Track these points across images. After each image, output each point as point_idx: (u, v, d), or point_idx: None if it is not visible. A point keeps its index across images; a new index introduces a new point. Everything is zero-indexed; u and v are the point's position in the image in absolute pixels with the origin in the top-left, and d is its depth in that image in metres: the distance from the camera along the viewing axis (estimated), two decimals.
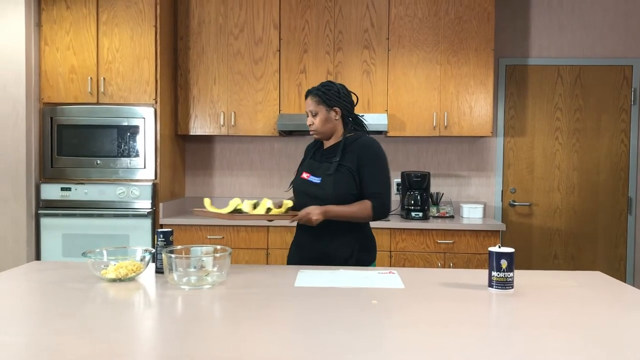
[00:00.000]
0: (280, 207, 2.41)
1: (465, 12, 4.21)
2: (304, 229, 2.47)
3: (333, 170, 2.39)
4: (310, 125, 2.47)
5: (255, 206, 2.36)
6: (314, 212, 2.29)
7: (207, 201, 2.38)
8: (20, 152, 3.85)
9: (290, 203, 2.46)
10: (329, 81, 2.50)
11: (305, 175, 2.49)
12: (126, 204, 3.99)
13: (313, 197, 2.40)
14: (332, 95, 2.42)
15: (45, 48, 4.03)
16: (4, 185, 3.85)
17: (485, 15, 4.20)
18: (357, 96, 2.54)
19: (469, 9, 4.20)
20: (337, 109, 2.44)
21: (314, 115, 2.45)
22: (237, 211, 2.32)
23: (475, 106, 4.23)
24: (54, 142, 4.02)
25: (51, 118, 4.01)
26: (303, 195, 2.47)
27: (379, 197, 2.37)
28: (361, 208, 2.35)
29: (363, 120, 2.55)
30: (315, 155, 2.54)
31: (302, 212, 2.30)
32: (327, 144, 2.53)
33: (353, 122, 2.50)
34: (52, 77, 4.03)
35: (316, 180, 2.42)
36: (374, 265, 2.52)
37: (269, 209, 2.34)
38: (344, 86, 2.49)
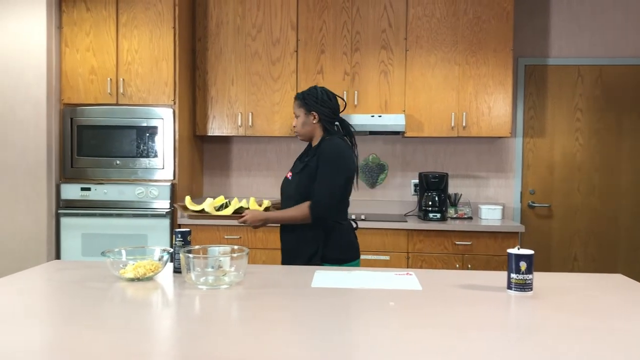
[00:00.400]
0: (260, 205, 2.57)
1: (484, 11, 4.17)
2: (281, 228, 2.64)
3: (299, 169, 2.57)
4: (293, 127, 2.68)
5: (226, 205, 2.53)
6: (253, 220, 2.48)
7: (187, 199, 2.54)
8: (41, 153, 3.90)
9: (267, 202, 2.59)
10: (314, 86, 2.63)
11: (288, 174, 2.68)
12: (145, 204, 4.02)
13: (285, 194, 2.61)
14: (311, 100, 2.57)
15: (66, 50, 4.08)
16: (26, 185, 3.90)
17: (504, 15, 4.16)
18: (344, 101, 2.63)
19: (487, 9, 4.17)
20: (315, 114, 2.57)
21: (297, 118, 2.63)
22: (202, 211, 2.50)
23: (494, 106, 4.19)
24: (74, 142, 4.07)
25: (71, 119, 4.06)
26: (281, 192, 2.68)
27: (318, 198, 2.46)
28: (298, 210, 2.48)
29: (349, 123, 2.66)
30: (302, 156, 2.68)
31: (245, 216, 2.48)
32: (313, 145, 2.66)
33: (340, 126, 2.61)
34: (72, 78, 4.08)
35: (290, 178, 2.62)
36: (355, 265, 2.56)
37: (240, 208, 2.51)
38: (325, 92, 2.60)
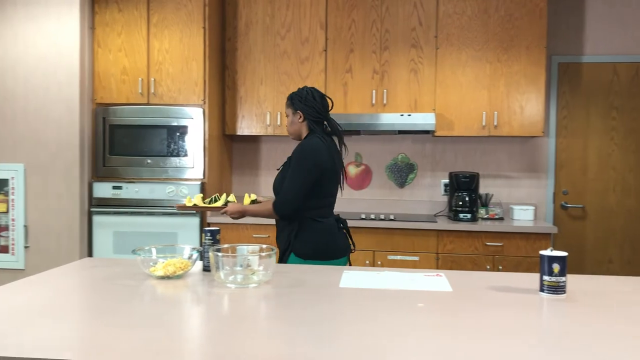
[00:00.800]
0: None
1: (516, 8, 4.10)
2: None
3: (281, 167, 2.73)
4: (286, 125, 2.82)
5: (215, 200, 2.74)
6: (232, 211, 2.67)
7: (188, 198, 2.77)
8: (74, 152, 3.97)
9: (254, 197, 2.78)
10: (304, 87, 2.72)
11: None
12: (175, 203, 4.06)
13: (274, 190, 2.74)
14: (296, 100, 2.68)
15: (98, 50, 4.14)
16: (59, 183, 3.98)
17: (537, 11, 4.08)
18: (331, 101, 2.72)
19: (520, 6, 4.10)
20: (300, 113, 2.67)
21: (287, 117, 2.76)
22: (194, 206, 2.73)
23: (526, 105, 4.12)
24: (106, 141, 4.13)
25: (104, 118, 4.13)
26: (273, 188, 2.78)
27: (281, 195, 2.58)
28: (264, 206, 2.65)
29: (337, 123, 2.73)
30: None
31: (226, 208, 2.68)
32: None
33: (329, 125, 2.70)
34: (104, 79, 4.15)
35: (277, 175, 2.76)
36: (341, 264, 2.60)
37: (226, 202, 2.73)
38: (312, 92, 2.68)
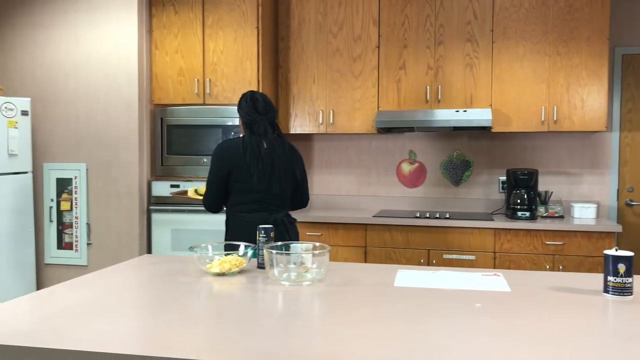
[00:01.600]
0: None
1: None
2: None
3: None
4: None
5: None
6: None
7: (191, 189, 3.02)
8: (133, 151, 4.09)
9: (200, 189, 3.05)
10: (247, 91, 2.91)
11: None
12: None
13: None
14: (238, 105, 2.81)
15: (156, 52, 4.25)
16: (119, 182, 4.11)
17: (599, 1, 3.92)
18: (265, 100, 2.76)
19: None
20: (240, 118, 2.80)
21: None
22: (185, 193, 3.05)
23: (587, 99, 3.97)
24: (164, 141, 4.24)
25: (161, 119, 4.23)
26: None
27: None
28: None
29: (262, 125, 2.75)
30: None
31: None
32: None
33: (253, 126, 2.75)
34: (161, 80, 4.25)
35: None
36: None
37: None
38: (245, 96, 2.77)
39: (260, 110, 2.75)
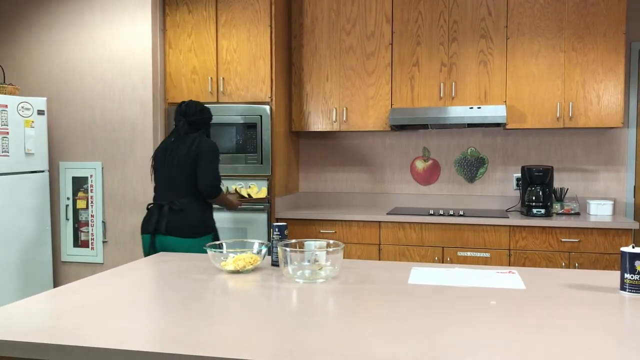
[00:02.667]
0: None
1: None
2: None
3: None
4: None
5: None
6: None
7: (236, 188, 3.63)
8: (148, 150, 4.11)
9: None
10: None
11: None
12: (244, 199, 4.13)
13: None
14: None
15: (170, 51, 4.27)
16: (134, 180, 4.14)
17: None
18: (182, 106, 3.19)
19: None
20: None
21: None
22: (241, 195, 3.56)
23: (603, 95, 3.92)
24: None
25: None
26: None
27: None
28: None
29: (179, 123, 3.22)
30: None
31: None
32: None
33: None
34: (175, 78, 4.27)
35: None
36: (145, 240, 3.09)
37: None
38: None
39: (180, 113, 3.18)
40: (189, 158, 3.05)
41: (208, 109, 3.26)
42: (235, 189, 3.66)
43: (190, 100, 3.20)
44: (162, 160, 3.13)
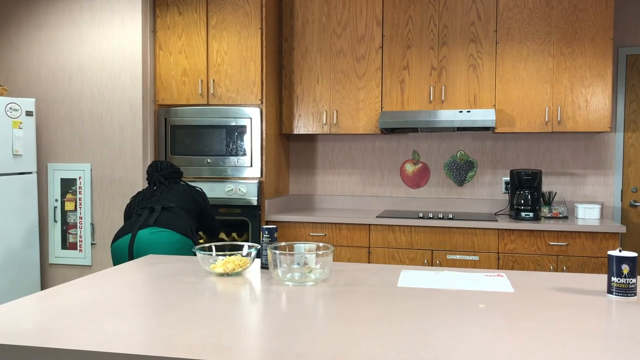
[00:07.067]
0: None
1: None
2: None
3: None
4: None
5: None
6: None
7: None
8: (137, 152, 4.10)
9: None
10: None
11: None
12: (234, 201, 4.13)
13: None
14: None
15: (160, 53, 4.26)
16: (123, 182, 4.12)
17: (603, 1, 3.92)
18: (154, 166, 3.29)
19: None
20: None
21: None
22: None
23: (591, 100, 3.96)
24: (168, 142, 4.25)
25: (165, 119, 4.24)
26: None
27: None
28: None
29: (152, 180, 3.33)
30: None
31: None
32: None
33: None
34: (165, 80, 4.26)
35: None
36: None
37: None
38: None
39: (154, 170, 3.29)
40: (190, 197, 3.21)
41: (176, 165, 3.51)
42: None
43: (156, 160, 3.47)
44: (148, 200, 3.12)
